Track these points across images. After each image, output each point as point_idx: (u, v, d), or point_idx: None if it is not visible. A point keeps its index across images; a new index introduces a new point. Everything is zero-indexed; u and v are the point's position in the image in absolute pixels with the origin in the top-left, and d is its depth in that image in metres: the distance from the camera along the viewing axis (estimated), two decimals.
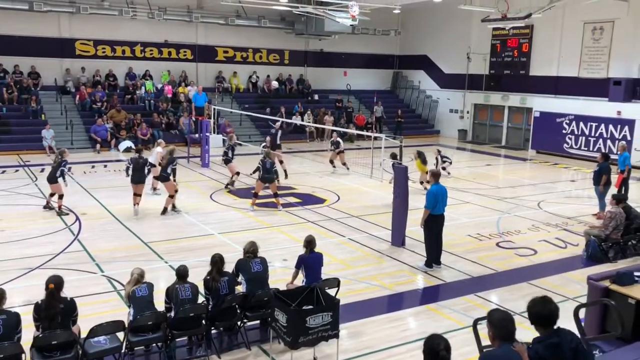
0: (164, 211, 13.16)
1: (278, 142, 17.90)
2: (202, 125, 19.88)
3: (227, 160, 16.11)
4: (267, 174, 13.63)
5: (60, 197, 12.87)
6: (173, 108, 25.58)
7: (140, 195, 13.03)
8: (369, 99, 30.95)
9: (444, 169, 17.85)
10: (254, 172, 14.39)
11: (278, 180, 14.27)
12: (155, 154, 15.22)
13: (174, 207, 13.36)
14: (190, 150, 20.92)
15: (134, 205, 12.94)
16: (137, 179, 13.02)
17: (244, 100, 27.87)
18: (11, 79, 23.72)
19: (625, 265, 9.26)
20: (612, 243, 10.82)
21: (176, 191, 13.46)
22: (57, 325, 5.90)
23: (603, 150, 19.83)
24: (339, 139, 19.09)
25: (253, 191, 14.01)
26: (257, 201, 14.05)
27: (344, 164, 18.55)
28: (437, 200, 9.73)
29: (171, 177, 13.28)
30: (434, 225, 9.92)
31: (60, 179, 12.74)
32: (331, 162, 18.94)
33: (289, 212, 13.79)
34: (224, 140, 17.44)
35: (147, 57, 26.85)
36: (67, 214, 12.86)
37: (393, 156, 13.81)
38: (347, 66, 32.15)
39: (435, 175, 10.13)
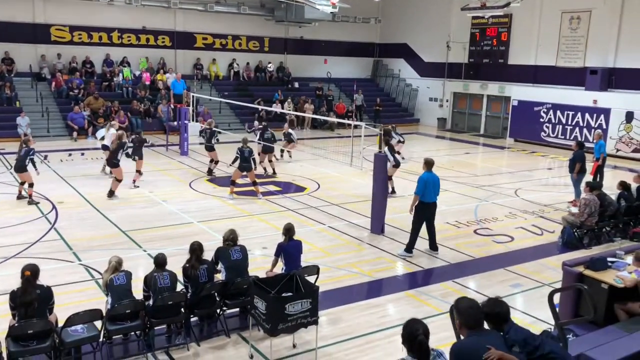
0: (110, 194, 13.28)
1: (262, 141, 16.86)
2: (180, 112, 19.70)
3: (210, 147, 16.07)
4: (245, 162, 13.55)
5: (31, 185, 12.64)
6: (151, 95, 25.28)
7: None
8: (349, 87, 30.96)
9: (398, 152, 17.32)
10: (233, 162, 14.23)
11: (255, 168, 14.21)
12: (109, 136, 14.93)
13: (134, 182, 14.10)
14: (168, 138, 20.74)
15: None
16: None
17: (223, 88, 27.65)
18: None
19: (599, 252, 9.45)
20: (586, 230, 11.02)
21: (139, 172, 14.28)
22: (34, 313, 5.84)
23: (579, 139, 20.10)
24: (290, 130, 18.71)
25: (231, 179, 13.96)
26: (236, 189, 14.01)
27: (287, 152, 18.86)
28: (426, 187, 9.81)
29: (120, 163, 13.39)
30: (423, 212, 10.01)
31: (30, 167, 12.49)
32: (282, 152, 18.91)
33: (268, 200, 13.78)
34: (201, 131, 17.06)
35: (124, 43, 26.45)
36: (38, 202, 12.65)
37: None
38: (328, 54, 32.02)
39: (428, 163, 10.17)
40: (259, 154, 15.97)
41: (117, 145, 13.25)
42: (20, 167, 12.54)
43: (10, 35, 23.70)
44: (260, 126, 17.82)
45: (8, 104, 22.35)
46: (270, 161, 16.62)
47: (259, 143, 16.31)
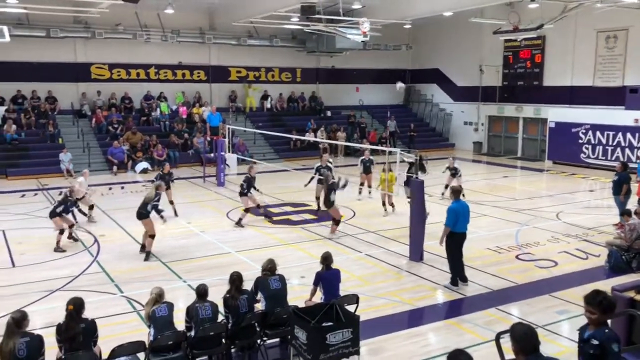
0: (146, 253, 11.51)
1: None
2: (217, 144, 20.02)
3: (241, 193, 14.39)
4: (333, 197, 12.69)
5: (61, 232, 12.11)
6: (188, 128, 25.82)
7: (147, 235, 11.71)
8: (382, 114, 31.02)
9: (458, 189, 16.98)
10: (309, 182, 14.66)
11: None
12: (78, 184, 14.17)
13: (146, 252, 11.53)
14: (205, 170, 21.06)
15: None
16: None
17: (257, 119, 28.07)
18: (29, 104, 24.18)
19: None
20: (634, 253, 10.64)
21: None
22: (79, 346, 5.92)
23: (622, 159, 19.59)
24: (371, 157, 17.22)
25: (332, 217, 13.10)
26: (274, 218, 14.05)
27: (370, 185, 17.21)
28: (457, 218, 9.48)
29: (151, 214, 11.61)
30: (454, 243, 9.66)
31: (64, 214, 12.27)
32: (369, 185, 17.15)
33: (304, 228, 13.77)
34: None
35: (161, 79, 27.23)
36: (64, 250, 12.00)
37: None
38: (359, 82, 32.28)
39: (456, 191, 9.94)
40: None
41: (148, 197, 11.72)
42: (51, 214, 12.19)
43: (53, 74, 24.71)
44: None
45: (51, 141, 23.14)
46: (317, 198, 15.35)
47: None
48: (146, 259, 11.29)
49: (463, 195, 13.83)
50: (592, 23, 23.43)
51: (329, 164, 15.44)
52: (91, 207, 14.66)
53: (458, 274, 9.80)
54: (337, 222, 13.07)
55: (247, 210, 14.19)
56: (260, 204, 14.50)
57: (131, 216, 14.70)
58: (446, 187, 16.91)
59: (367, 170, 16.98)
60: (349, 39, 22.16)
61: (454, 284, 9.77)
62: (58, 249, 11.93)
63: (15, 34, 22.03)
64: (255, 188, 14.39)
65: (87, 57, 25.48)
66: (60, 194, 13.04)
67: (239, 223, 13.98)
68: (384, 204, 15.25)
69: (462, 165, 19.61)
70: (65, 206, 12.38)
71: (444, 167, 17.44)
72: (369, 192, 17.17)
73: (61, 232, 12.11)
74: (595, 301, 4.57)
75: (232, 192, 18.52)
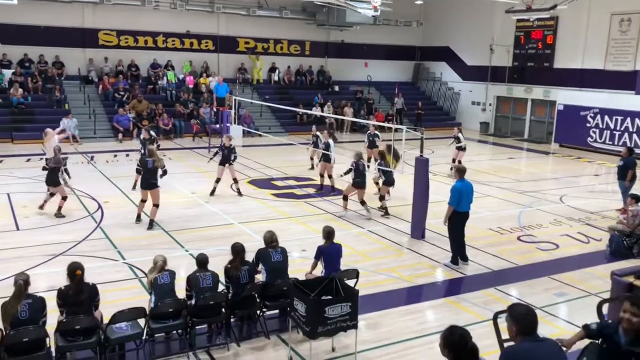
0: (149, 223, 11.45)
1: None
2: (223, 115, 19.96)
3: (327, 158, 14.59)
4: (360, 177, 12.44)
5: (64, 198, 12.13)
6: (194, 98, 25.72)
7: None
8: (390, 90, 30.80)
9: (459, 161, 17.18)
10: (345, 173, 13.02)
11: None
12: (51, 145, 13.31)
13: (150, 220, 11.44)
14: (211, 141, 21.04)
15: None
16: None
17: (264, 92, 27.91)
18: (36, 68, 24.08)
19: None
20: (636, 238, 10.64)
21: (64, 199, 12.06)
22: (82, 309, 6.01)
23: (629, 145, 19.45)
24: (377, 131, 17.34)
25: (343, 194, 13.06)
26: (276, 192, 14.08)
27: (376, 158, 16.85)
28: (461, 197, 9.48)
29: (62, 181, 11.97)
30: (459, 222, 9.69)
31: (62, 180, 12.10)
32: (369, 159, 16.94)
33: (308, 202, 13.81)
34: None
35: (169, 47, 27.03)
36: (64, 216, 12.05)
37: (358, 156, 12.66)
38: (368, 57, 31.97)
39: (461, 171, 9.91)
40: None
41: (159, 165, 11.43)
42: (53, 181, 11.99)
43: (61, 39, 24.55)
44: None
45: (58, 106, 23.10)
46: (330, 176, 14.93)
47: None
48: (150, 227, 11.30)
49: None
50: (606, 5, 23.06)
51: (329, 141, 15.18)
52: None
53: (459, 253, 9.85)
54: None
55: (217, 181, 14.08)
56: (237, 179, 14.31)
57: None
58: (453, 161, 17.20)
59: (372, 144, 17.04)
60: (359, 12, 21.92)
61: (454, 263, 9.82)
62: (59, 214, 11.90)
63: None
64: (230, 161, 14.11)
65: (95, 23, 25.28)
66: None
67: (213, 191, 13.96)
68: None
69: (468, 144, 19.48)
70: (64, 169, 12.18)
71: (450, 139, 17.75)
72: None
73: (64, 198, 12.05)
74: None
75: (236, 163, 18.43)
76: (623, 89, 22.82)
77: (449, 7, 29.65)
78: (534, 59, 26.88)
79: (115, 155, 19.52)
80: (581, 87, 24.81)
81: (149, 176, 11.35)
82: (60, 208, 11.96)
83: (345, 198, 12.91)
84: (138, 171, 12.06)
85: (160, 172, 11.45)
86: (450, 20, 30.65)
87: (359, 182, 12.47)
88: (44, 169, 12.13)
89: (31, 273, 6.43)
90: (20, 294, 5.74)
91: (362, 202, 12.66)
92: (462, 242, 9.91)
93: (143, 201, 11.54)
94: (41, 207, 12.15)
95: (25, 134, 21.42)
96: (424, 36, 33.17)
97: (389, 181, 13.05)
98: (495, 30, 28.35)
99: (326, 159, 14.88)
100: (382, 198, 13.12)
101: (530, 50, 26.98)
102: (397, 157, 13.61)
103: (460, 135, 17.58)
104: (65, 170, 12.29)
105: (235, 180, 14.25)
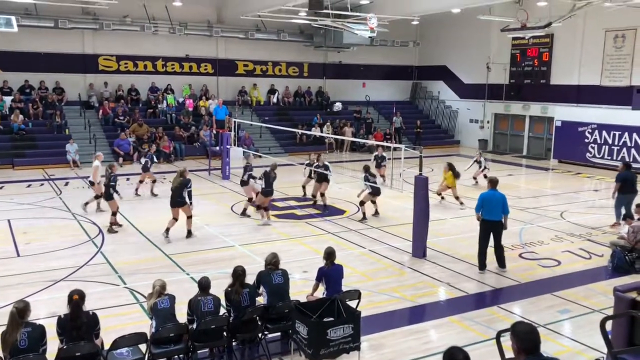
0: (188, 233, 12.36)
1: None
2: (222, 138, 20.06)
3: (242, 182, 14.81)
4: (269, 187, 13.38)
5: (114, 213, 12.85)
6: (194, 121, 25.85)
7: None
8: (388, 110, 30.97)
9: (485, 176, 17.76)
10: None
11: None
12: (93, 169, 14.29)
13: (188, 230, 12.42)
14: (211, 163, 21.11)
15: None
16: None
17: (263, 113, 28.07)
18: (37, 94, 24.26)
19: None
20: (638, 254, 10.61)
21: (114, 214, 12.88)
22: (82, 337, 5.97)
23: (627, 159, 19.51)
24: (384, 153, 18.21)
25: (256, 204, 13.92)
26: (277, 213, 14.10)
27: (383, 176, 17.70)
28: (484, 205, 10.06)
29: (115, 195, 12.91)
30: (483, 229, 10.21)
31: (114, 195, 12.94)
32: (382, 176, 17.65)
33: (308, 223, 13.80)
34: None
35: (168, 71, 27.24)
36: (117, 231, 12.77)
37: (366, 169, 14.05)
38: (366, 78, 32.23)
39: (492, 181, 10.49)
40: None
41: (179, 184, 12.16)
42: (107, 196, 12.92)
43: (61, 65, 24.78)
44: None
45: (58, 132, 23.22)
46: (322, 195, 15.40)
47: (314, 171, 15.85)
48: (188, 236, 12.23)
49: (461, 203, 15.56)
50: (600, 22, 23.28)
51: (325, 163, 15.71)
52: (97, 197, 14.46)
53: (479, 259, 10.32)
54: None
55: (250, 200, 14.58)
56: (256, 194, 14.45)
57: (135, 207, 14.86)
58: (474, 178, 18.70)
59: (378, 165, 18.04)
60: (356, 34, 22.13)
61: (479, 268, 10.35)
62: (111, 230, 12.72)
63: (24, 24, 22.10)
64: (254, 177, 14.36)
65: (95, 49, 25.54)
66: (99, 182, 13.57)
67: (243, 213, 14.36)
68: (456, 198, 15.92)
69: (468, 162, 19.56)
70: (113, 186, 12.92)
71: (471, 162, 19.09)
72: (383, 181, 17.29)
73: (114, 213, 12.85)
74: None
75: (237, 185, 18.52)
76: (620, 105, 22.94)
77: (444, 26, 29.94)
78: (531, 76, 27.07)
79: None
80: (578, 103, 24.95)
81: (173, 194, 12.25)
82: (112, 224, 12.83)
83: (259, 207, 13.63)
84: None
85: (184, 192, 12.12)
86: (447, 40, 30.94)
87: (268, 191, 13.33)
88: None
89: (32, 300, 6.41)
90: (14, 322, 5.69)
91: (258, 207, 13.66)
92: (484, 249, 10.30)
93: (174, 219, 12.24)
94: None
95: (26, 159, 21.51)
96: (420, 56, 33.45)
97: (376, 191, 14.06)
98: (491, 48, 28.60)
99: (325, 178, 15.28)
100: (362, 203, 14.16)
101: (527, 68, 27.19)
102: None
103: (482, 159, 18.93)
104: (113, 186, 12.99)
105: (250, 200, 14.67)
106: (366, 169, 14.17)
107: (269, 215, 13.75)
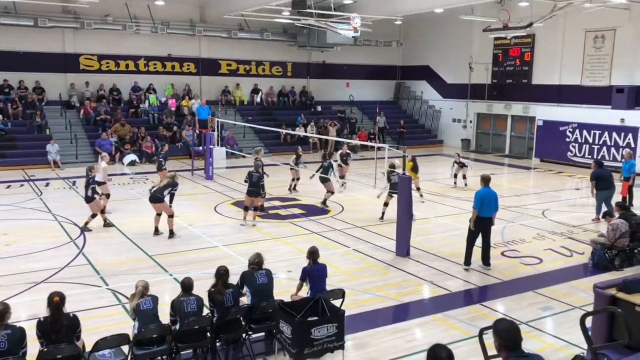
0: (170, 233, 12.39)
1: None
2: (205, 137, 19.96)
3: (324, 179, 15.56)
4: (253, 187, 13.28)
5: (93, 215, 12.79)
6: (177, 121, 25.69)
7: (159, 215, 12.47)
8: (372, 109, 31.06)
9: (464, 176, 18.05)
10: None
11: (264, 195, 13.82)
12: (100, 170, 14.21)
13: (170, 230, 12.36)
14: (194, 163, 20.99)
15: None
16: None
17: (247, 113, 27.98)
18: (16, 94, 23.92)
19: (632, 273, 9.21)
20: (618, 251, 10.77)
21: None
22: (62, 339, 5.90)
23: (607, 158, 19.82)
24: (348, 151, 18.64)
25: (244, 205, 13.69)
26: (262, 213, 14.06)
27: (343, 176, 18.07)
28: (482, 203, 10.15)
29: (96, 197, 12.80)
30: (478, 226, 10.32)
31: (96, 196, 12.82)
32: (342, 177, 18.04)
33: (293, 223, 13.78)
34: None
35: (150, 71, 27.03)
36: (90, 230, 12.73)
37: (392, 166, 13.80)
38: (350, 77, 32.28)
39: (484, 179, 10.54)
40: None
41: (166, 183, 12.35)
42: (87, 198, 12.78)
43: (41, 65, 24.46)
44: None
45: (39, 132, 22.94)
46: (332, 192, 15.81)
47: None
48: (171, 236, 12.20)
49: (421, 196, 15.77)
50: (580, 23, 23.59)
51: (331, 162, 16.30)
52: (107, 196, 14.40)
53: (466, 255, 10.46)
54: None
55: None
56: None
57: (118, 208, 14.72)
58: (455, 176, 18.53)
59: (344, 162, 18.31)
60: (339, 34, 22.15)
61: (465, 264, 10.48)
62: (86, 228, 12.64)
63: (2, 22, 21.82)
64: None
65: (76, 48, 25.24)
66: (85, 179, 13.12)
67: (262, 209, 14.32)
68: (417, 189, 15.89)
69: (450, 161, 19.67)
70: (93, 188, 12.76)
71: (452, 166, 18.80)
72: (343, 185, 17.99)
73: (93, 215, 12.74)
74: None
75: (220, 185, 18.47)
76: (600, 104, 23.26)
77: (427, 27, 30.13)
78: (513, 76, 27.34)
79: None
80: (559, 102, 25.26)
81: (156, 190, 12.40)
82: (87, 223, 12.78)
83: (246, 209, 13.47)
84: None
85: (166, 191, 12.23)
86: (430, 40, 31.12)
87: (253, 192, 13.25)
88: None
89: (12, 302, 6.33)
90: None
91: (256, 209, 13.60)
92: (485, 246, 10.47)
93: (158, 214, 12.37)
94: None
95: (5, 160, 21.21)
96: (404, 56, 33.60)
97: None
98: (473, 48, 28.82)
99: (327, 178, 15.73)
100: (386, 204, 14.00)
101: (509, 68, 27.44)
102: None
103: (462, 160, 18.70)
104: (93, 188, 12.88)
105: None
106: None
107: (255, 216, 13.65)
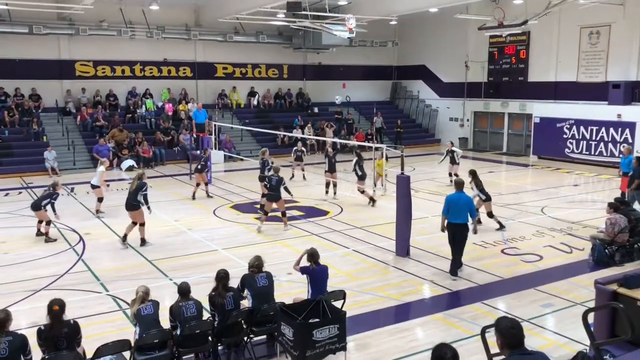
0: (141, 241, 12.04)
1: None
2: (203, 141, 19.93)
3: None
4: (273, 191, 13.06)
5: (48, 223, 12.49)
6: (174, 126, 25.66)
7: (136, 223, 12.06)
8: (369, 110, 31.02)
9: (456, 174, 17.85)
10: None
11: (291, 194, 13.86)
12: (97, 175, 14.50)
13: (141, 239, 12.03)
14: (192, 167, 20.95)
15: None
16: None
17: (244, 116, 27.96)
18: (12, 101, 23.88)
19: (633, 269, 9.22)
20: (618, 246, 10.77)
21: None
22: (63, 346, 5.87)
23: (605, 154, 19.78)
24: (302, 148, 20.20)
25: (264, 209, 13.46)
26: (258, 215, 14.05)
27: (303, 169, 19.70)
28: (450, 208, 9.71)
29: (49, 207, 12.38)
30: (448, 233, 9.93)
31: (49, 208, 12.39)
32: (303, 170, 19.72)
33: (292, 225, 13.76)
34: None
35: (146, 75, 27.00)
36: (55, 240, 12.46)
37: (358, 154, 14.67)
38: (346, 78, 32.25)
39: (458, 183, 10.15)
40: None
41: (135, 187, 11.88)
42: (35, 206, 12.51)
43: (37, 72, 24.42)
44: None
45: (36, 139, 22.89)
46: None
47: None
48: (142, 244, 11.85)
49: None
50: (575, 19, 23.61)
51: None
52: (100, 200, 14.74)
53: (454, 263, 10.02)
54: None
55: (264, 196, 14.14)
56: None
57: (117, 214, 14.69)
58: (450, 175, 18.28)
59: (299, 159, 19.80)
60: (335, 35, 22.09)
61: (450, 273, 10.00)
62: (49, 239, 12.30)
63: None
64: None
65: (71, 54, 25.22)
66: (47, 189, 12.99)
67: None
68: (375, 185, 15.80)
69: (448, 160, 19.64)
70: (50, 200, 12.45)
71: (443, 154, 18.96)
72: (303, 178, 19.63)
73: (47, 222, 12.42)
74: None
75: (219, 189, 18.44)
76: (596, 100, 23.29)
77: (423, 26, 30.14)
78: (509, 74, 27.36)
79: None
80: (556, 99, 25.28)
81: (129, 197, 11.97)
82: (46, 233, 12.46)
83: (266, 213, 13.30)
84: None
85: (139, 196, 11.80)
86: (425, 39, 31.13)
87: (273, 196, 13.03)
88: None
89: (13, 310, 6.29)
90: None
91: (283, 214, 13.35)
92: (453, 254, 10.00)
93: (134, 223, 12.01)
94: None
95: (3, 168, 21.16)
96: (399, 56, 33.62)
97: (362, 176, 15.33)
98: (469, 47, 28.84)
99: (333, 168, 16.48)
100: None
101: (505, 66, 27.46)
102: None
103: (454, 149, 18.63)
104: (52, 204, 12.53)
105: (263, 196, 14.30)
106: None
107: (285, 222, 13.31)
